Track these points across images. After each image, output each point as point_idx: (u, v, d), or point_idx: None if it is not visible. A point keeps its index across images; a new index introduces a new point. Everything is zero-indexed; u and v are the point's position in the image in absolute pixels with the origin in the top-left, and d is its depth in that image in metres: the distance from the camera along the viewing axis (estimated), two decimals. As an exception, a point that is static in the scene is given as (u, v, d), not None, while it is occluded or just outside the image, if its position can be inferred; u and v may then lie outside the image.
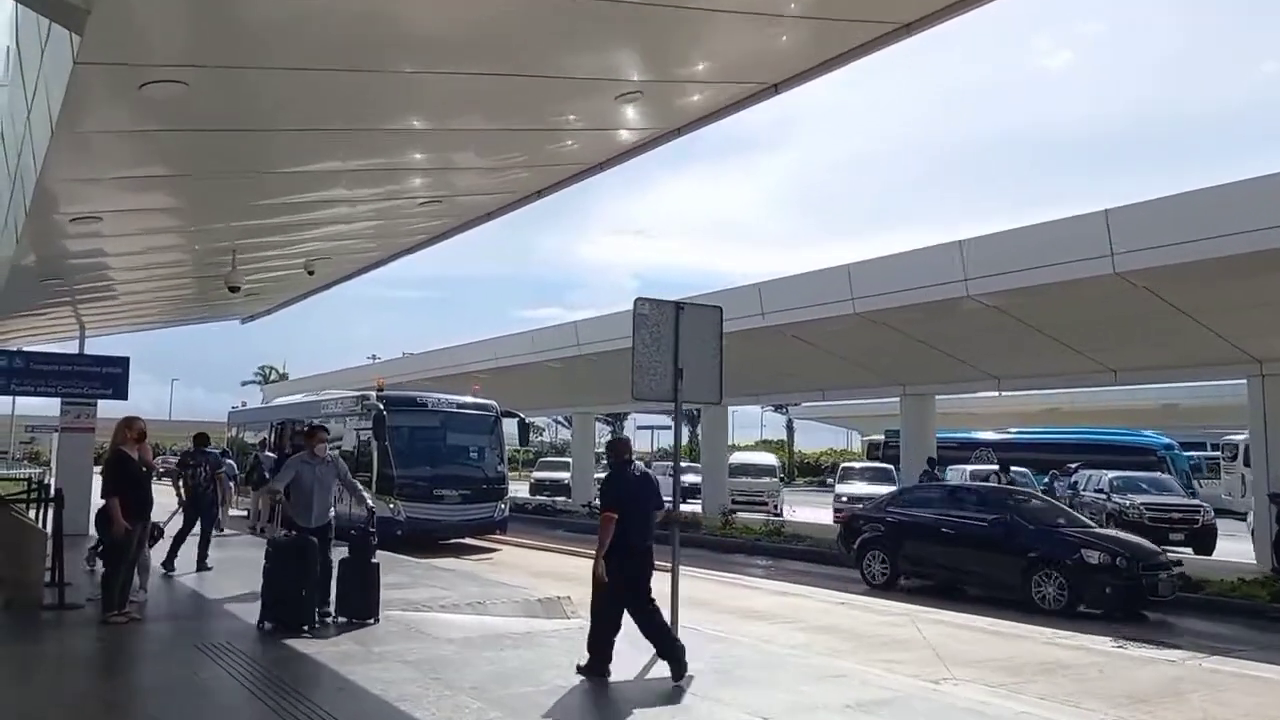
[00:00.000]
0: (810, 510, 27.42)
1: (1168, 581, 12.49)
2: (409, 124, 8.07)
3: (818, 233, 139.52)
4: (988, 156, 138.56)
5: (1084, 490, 23.33)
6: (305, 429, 10.83)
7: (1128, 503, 21.41)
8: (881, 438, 35.68)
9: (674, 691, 6.87)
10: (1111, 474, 24.06)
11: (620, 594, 7.08)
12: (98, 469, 11.82)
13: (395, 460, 18.03)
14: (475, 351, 31.94)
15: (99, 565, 10.67)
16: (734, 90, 7.55)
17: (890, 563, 14.49)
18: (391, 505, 17.56)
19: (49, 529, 10.67)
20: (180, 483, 12.82)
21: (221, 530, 13.59)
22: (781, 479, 34.87)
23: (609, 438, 11.96)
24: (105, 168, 7.68)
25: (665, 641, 7.19)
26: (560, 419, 75.86)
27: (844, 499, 28.30)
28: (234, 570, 12.61)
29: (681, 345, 8.69)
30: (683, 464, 33.77)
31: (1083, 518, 14.79)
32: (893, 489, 19.39)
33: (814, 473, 69.24)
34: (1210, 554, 20.14)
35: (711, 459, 29.46)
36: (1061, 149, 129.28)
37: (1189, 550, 19.53)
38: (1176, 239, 13.74)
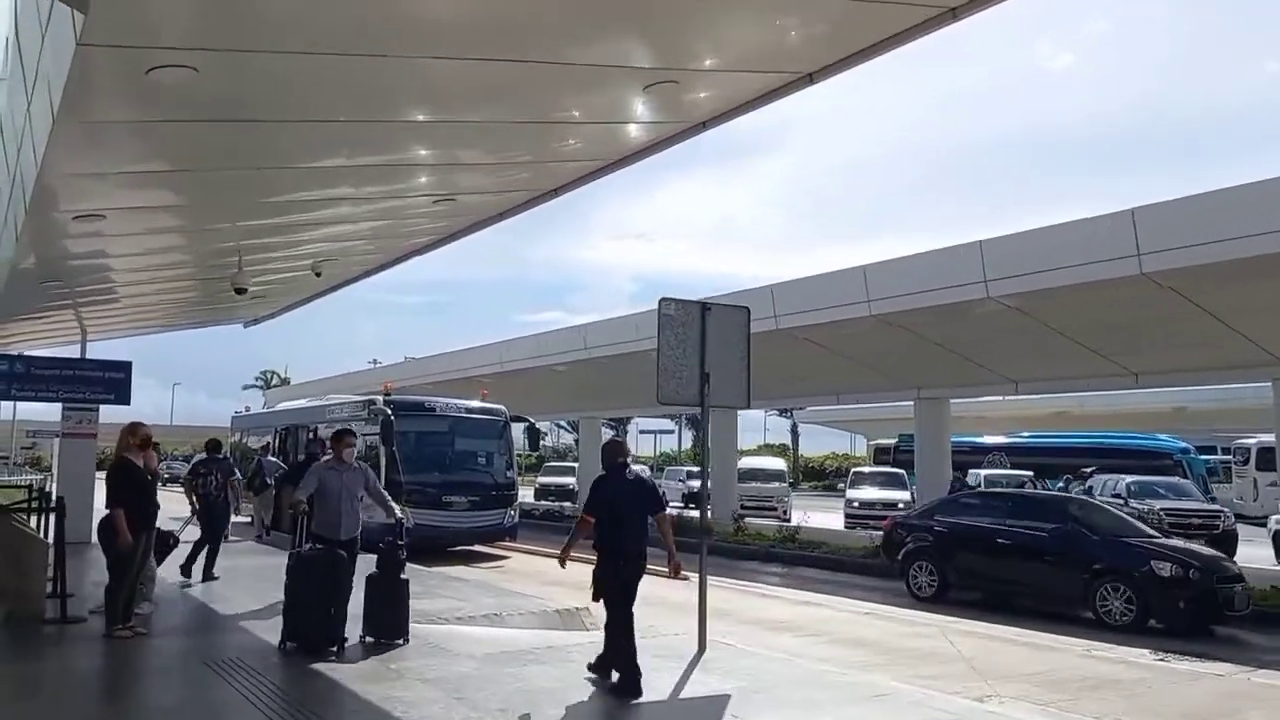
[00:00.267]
0: (819, 515, 27.02)
1: (1242, 595, 11.70)
2: (420, 115, 7.69)
3: (817, 237, 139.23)
4: (986, 159, 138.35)
5: (1100, 495, 22.94)
6: (312, 433, 10.49)
7: (1146, 508, 20.96)
8: (893, 442, 35.28)
9: (714, 713, 6.50)
10: (1129, 478, 23.69)
11: (629, 595, 7.10)
12: (100, 475, 11.50)
13: (403, 466, 17.66)
14: (480, 355, 31.64)
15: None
16: (767, 80, 7.20)
17: (939, 574, 13.74)
18: (399, 512, 17.16)
19: (50, 538, 10.30)
20: (192, 491, 12.53)
21: (226, 538, 13.26)
22: (791, 484, 34.50)
23: (606, 440, 11.58)
24: (108, 161, 7.34)
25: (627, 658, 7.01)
26: (563, 423, 75.58)
27: (855, 504, 27.97)
28: (240, 581, 12.30)
29: (708, 347, 8.38)
30: (694, 469, 33.72)
31: (1145, 527, 14.14)
32: (942, 496, 18.06)
33: (819, 477, 68.85)
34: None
35: (720, 464, 29.08)
36: (1060, 150, 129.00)
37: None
38: (1205, 239, 13.42)
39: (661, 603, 12.85)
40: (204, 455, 13.08)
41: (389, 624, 8.30)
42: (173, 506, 12.63)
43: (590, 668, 7.27)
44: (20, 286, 12.53)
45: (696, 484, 34.66)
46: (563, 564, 7.41)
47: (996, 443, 31.14)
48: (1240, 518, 25.38)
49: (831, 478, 66.12)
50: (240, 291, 12.09)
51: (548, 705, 6.47)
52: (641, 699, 6.72)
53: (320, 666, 7.38)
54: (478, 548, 18.66)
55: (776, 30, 6.58)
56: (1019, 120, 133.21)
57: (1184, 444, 28.48)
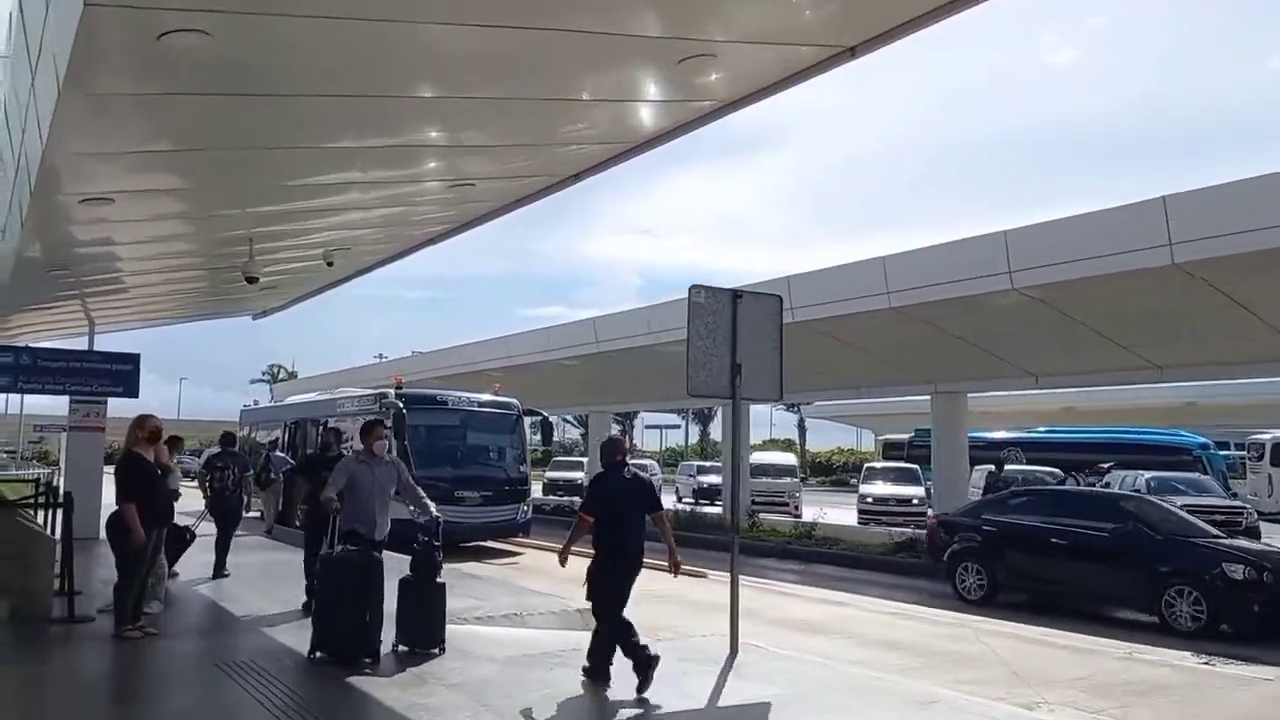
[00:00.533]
0: (832, 512, 26.82)
1: None
2: (436, 90, 7.29)
3: (821, 232, 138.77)
4: (987, 155, 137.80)
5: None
6: (322, 426, 10.22)
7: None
8: (906, 436, 34.91)
9: (754, 720, 6.19)
10: (1147, 474, 23.33)
11: (622, 594, 6.95)
12: (109, 469, 11.24)
13: (415, 460, 17.26)
14: (489, 349, 31.29)
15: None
16: (805, 54, 6.85)
17: (988, 575, 13.13)
18: (411, 507, 16.90)
19: (58, 534, 10.01)
20: (207, 485, 12.31)
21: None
22: (802, 479, 34.20)
23: (605, 437, 11.28)
24: (115, 139, 7.01)
25: (605, 660, 6.96)
26: (570, 418, 75.34)
27: (869, 499, 27.74)
28: (251, 578, 12.03)
29: (739, 337, 8.06)
30: (705, 464, 33.40)
31: (1209, 527, 13.55)
32: (988, 498, 17.03)
33: (826, 472, 68.44)
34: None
35: (733, 459, 28.68)
36: (1061, 147, 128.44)
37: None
38: (1239, 227, 13.01)
39: (680, 600, 12.58)
40: (218, 449, 12.86)
41: (423, 632, 7.69)
42: (187, 502, 12.44)
43: (586, 671, 7.03)
44: (27, 275, 12.23)
45: (707, 479, 34.47)
46: (563, 562, 7.19)
47: (1008, 438, 30.74)
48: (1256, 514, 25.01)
49: (839, 472, 65.75)
50: (252, 280, 11.77)
51: (578, 713, 6.16)
52: (678, 707, 6.41)
53: (337, 670, 7.05)
54: (490, 544, 18.37)
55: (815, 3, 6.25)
56: (1020, 117, 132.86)
57: (1203, 439, 28.06)
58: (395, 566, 7.93)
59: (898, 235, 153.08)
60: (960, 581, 13.42)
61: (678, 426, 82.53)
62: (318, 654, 7.25)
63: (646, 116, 8.20)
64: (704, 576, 15.23)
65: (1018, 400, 35.43)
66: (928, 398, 29.75)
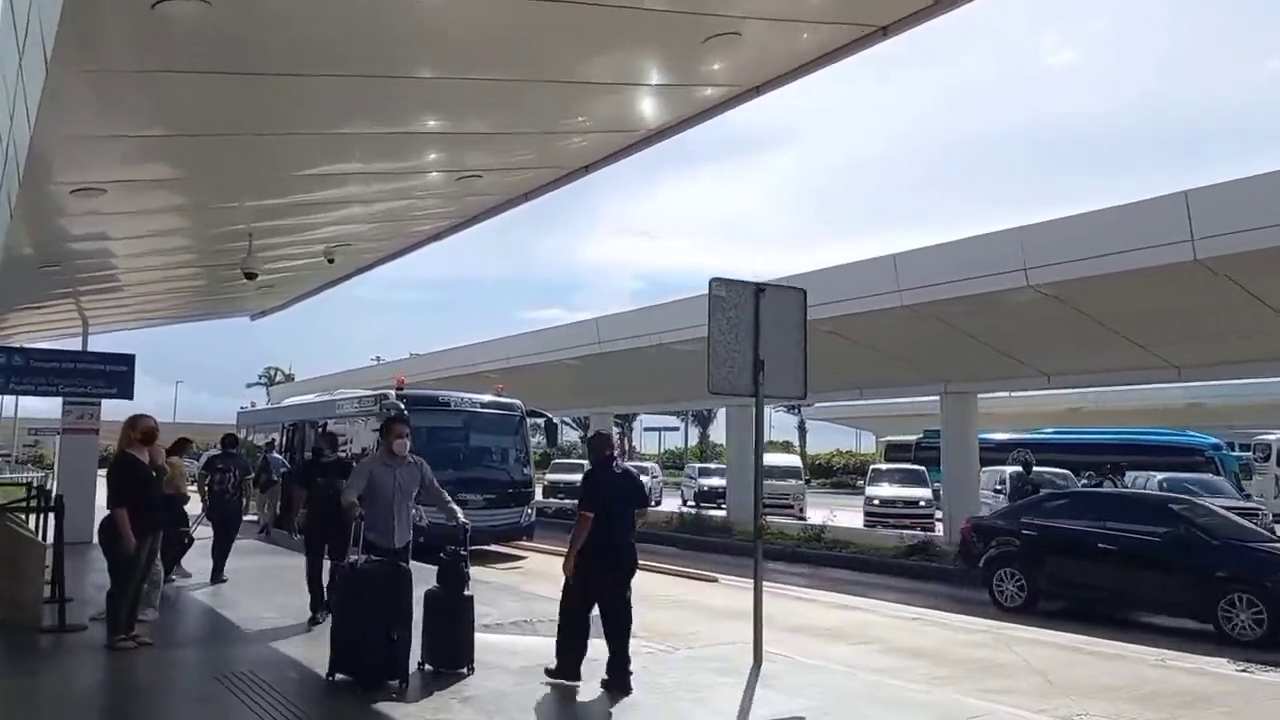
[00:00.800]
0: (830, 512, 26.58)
1: None
2: (438, 71, 6.86)
3: (821, 234, 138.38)
4: (990, 155, 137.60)
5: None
6: (321, 428, 9.80)
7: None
8: (912, 438, 34.52)
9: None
10: (1160, 475, 22.98)
11: (589, 595, 6.81)
12: (103, 473, 10.89)
13: (417, 462, 16.97)
14: (489, 350, 30.90)
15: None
16: (836, 33, 6.50)
17: (1028, 582, 12.60)
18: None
19: (51, 539, 9.63)
20: (206, 487, 11.99)
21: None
22: (807, 481, 33.83)
23: (592, 434, 10.87)
24: (107, 122, 6.62)
25: (621, 649, 6.77)
26: (569, 420, 74.93)
27: (875, 502, 27.37)
28: (249, 583, 11.66)
29: (762, 332, 7.70)
30: (706, 466, 32.98)
31: (1264, 531, 13.11)
32: (1027, 501, 15.72)
33: (826, 474, 68.03)
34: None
35: (738, 461, 28.39)
36: (1061, 147, 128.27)
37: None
38: (1265, 222, 12.67)
39: (694, 605, 12.26)
40: (219, 451, 12.56)
41: (451, 650, 7.00)
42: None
43: (550, 673, 6.87)
44: (17, 272, 11.83)
45: (707, 481, 34.06)
46: (566, 573, 6.87)
47: (1016, 439, 30.33)
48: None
49: (839, 474, 65.37)
50: (250, 276, 11.39)
51: (601, 729, 5.80)
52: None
53: (359, 693, 6.67)
54: (494, 547, 17.98)
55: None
56: (1020, 116, 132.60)
57: (1215, 439, 27.71)
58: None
59: (900, 235, 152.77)
60: (998, 588, 12.87)
61: (676, 429, 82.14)
62: (337, 676, 6.58)
63: (666, 103, 7.84)
64: (715, 581, 14.92)
65: (1018, 402, 35.10)
66: (929, 399, 29.49)
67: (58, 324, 18.63)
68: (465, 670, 6.95)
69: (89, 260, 11.97)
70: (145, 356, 16.63)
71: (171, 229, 10.83)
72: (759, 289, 7.75)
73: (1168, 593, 11.55)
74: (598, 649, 6.94)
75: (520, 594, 11.68)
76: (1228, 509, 19.54)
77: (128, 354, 16.54)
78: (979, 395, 23.17)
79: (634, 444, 79.13)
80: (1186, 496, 15.77)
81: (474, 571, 13.42)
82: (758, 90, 7.51)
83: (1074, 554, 12.39)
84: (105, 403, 16.22)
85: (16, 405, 55.85)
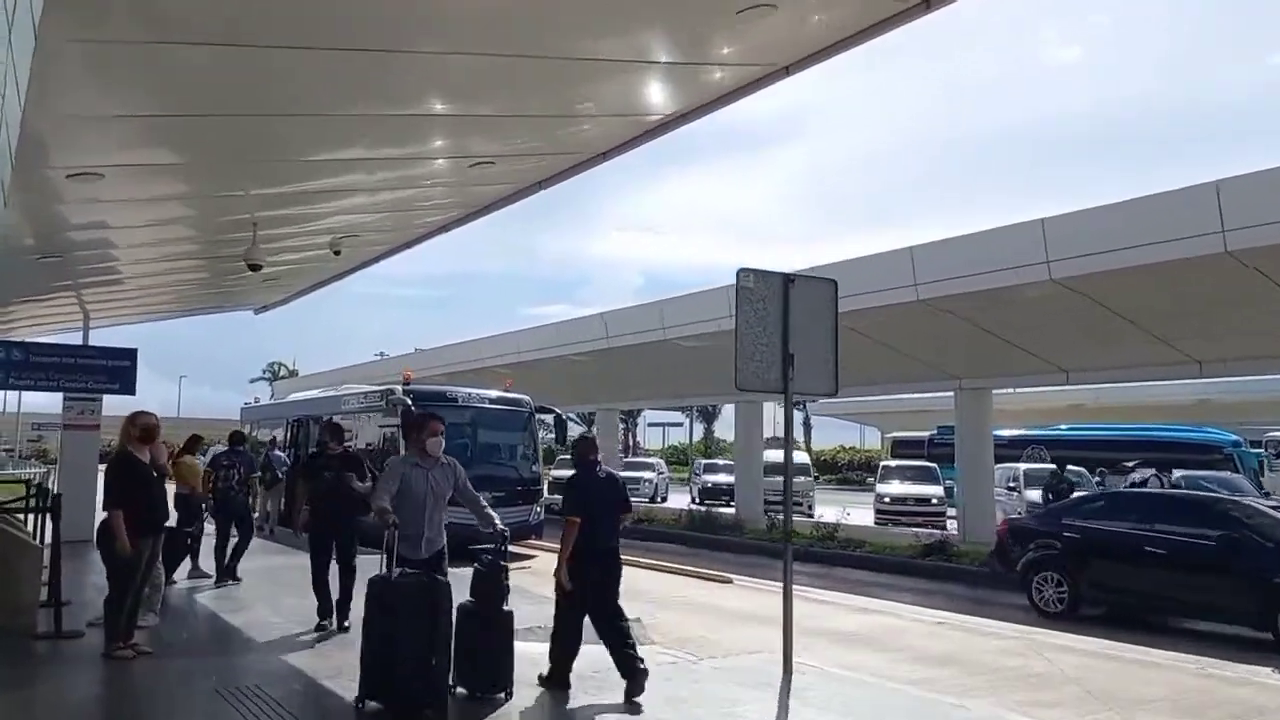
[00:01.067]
0: (833, 509, 26.32)
1: None
2: (444, 47, 6.47)
3: (827, 230, 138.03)
4: (991, 151, 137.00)
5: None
6: (325, 422, 9.39)
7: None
8: (923, 434, 34.13)
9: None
10: (1176, 473, 22.59)
11: (585, 599, 6.69)
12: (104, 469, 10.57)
13: (423, 460, 16.63)
14: (496, 345, 30.57)
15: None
16: (875, 7, 6.12)
17: (1071, 587, 12.08)
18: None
19: (49, 539, 9.30)
20: (211, 484, 11.76)
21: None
22: (816, 478, 33.47)
23: (576, 437, 10.45)
24: (103, 99, 6.23)
25: (627, 659, 6.54)
26: (573, 416, 74.48)
27: (886, 499, 27.04)
28: (255, 585, 11.39)
29: (791, 325, 7.34)
30: (711, 462, 32.55)
31: None
32: (1067, 502, 15.15)
33: (831, 470, 67.61)
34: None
35: (746, 458, 28.04)
36: (1062, 145, 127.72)
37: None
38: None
39: (713, 609, 11.89)
40: (225, 447, 12.29)
41: (488, 672, 6.33)
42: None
43: (542, 680, 6.73)
44: (15, 263, 11.49)
45: (711, 478, 33.66)
46: (562, 582, 6.62)
47: (1036, 435, 29.94)
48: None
49: (844, 471, 64.96)
50: (255, 268, 11.03)
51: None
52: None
53: (348, 694, 6.31)
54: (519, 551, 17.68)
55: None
56: (1022, 113, 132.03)
57: (1235, 436, 27.28)
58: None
59: (905, 231, 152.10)
60: (1037, 593, 12.37)
61: (680, 424, 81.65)
62: (367, 703, 5.94)
63: (692, 84, 7.45)
64: (729, 582, 14.57)
65: (1020, 399, 34.57)
66: (933, 395, 29.12)
67: (58, 317, 18.30)
68: (503, 695, 6.34)
69: (89, 251, 11.61)
70: (147, 351, 16.31)
71: (173, 218, 10.47)
72: (788, 279, 7.39)
73: (1222, 598, 10.98)
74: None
75: (533, 596, 11.27)
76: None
77: (129, 348, 16.26)
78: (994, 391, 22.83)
79: (638, 440, 78.72)
80: (1239, 498, 15.26)
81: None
82: (787, 70, 7.15)
83: (1119, 558, 11.86)
84: (107, 398, 15.96)
85: (20, 400, 55.73)
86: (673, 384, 29.45)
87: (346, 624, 8.38)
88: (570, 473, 7.54)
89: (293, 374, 69.22)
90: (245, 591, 11.05)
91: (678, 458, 70.13)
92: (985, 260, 16.15)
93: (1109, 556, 11.99)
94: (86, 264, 12.36)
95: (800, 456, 35.57)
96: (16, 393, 43.44)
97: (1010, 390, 31.04)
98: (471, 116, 8.18)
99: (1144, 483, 19.58)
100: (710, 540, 21.66)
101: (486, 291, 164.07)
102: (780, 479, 28.82)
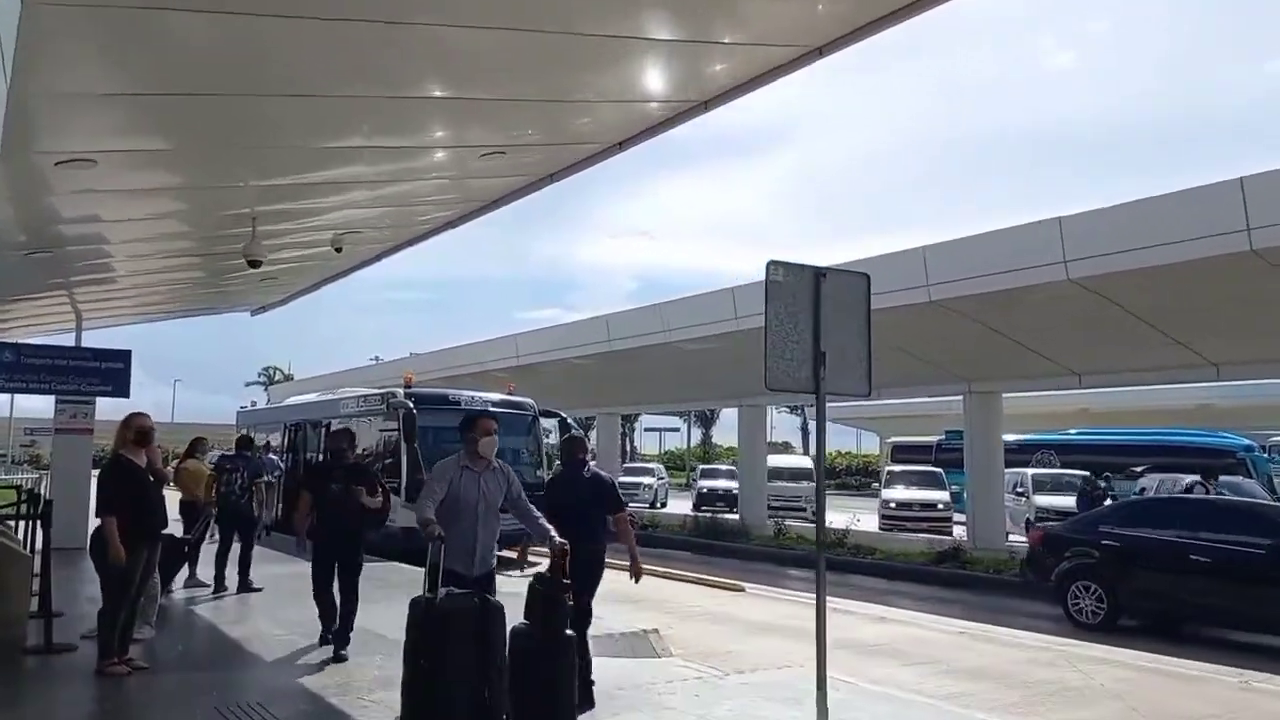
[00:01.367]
0: (839, 515, 25.91)
1: None
2: (450, 20, 6.05)
3: (823, 233, 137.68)
4: (990, 153, 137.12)
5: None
6: (327, 428, 8.86)
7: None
8: (925, 438, 33.74)
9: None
10: (1187, 478, 22.25)
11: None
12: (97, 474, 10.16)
13: (426, 464, 16.20)
14: (496, 348, 30.17)
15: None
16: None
17: (1109, 597, 11.66)
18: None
19: (40, 547, 8.87)
20: (213, 489, 11.40)
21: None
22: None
23: (565, 436, 9.99)
24: (92, 73, 5.81)
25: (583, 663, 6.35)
26: (570, 420, 73.83)
27: (892, 504, 26.66)
28: (255, 595, 10.98)
29: (823, 322, 6.95)
30: (716, 467, 32.09)
31: None
32: (1105, 510, 14.56)
33: (830, 475, 67.20)
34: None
35: (750, 462, 27.70)
36: (1061, 146, 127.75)
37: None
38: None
39: (729, 619, 11.49)
40: (232, 451, 11.99)
41: (547, 707, 5.43)
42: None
43: None
44: (5, 259, 11.08)
45: (707, 484, 33.12)
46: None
47: (1045, 439, 29.55)
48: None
49: (842, 476, 64.61)
50: (254, 264, 10.63)
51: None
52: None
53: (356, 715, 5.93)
54: (505, 553, 17.23)
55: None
56: (1021, 115, 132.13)
57: (1248, 440, 26.95)
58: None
59: (901, 235, 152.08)
60: (1074, 603, 11.94)
61: (677, 429, 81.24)
62: None
63: (719, 65, 7.08)
64: (742, 590, 14.17)
65: (1024, 403, 34.20)
66: (934, 400, 28.71)
67: (50, 318, 17.88)
68: None
69: (82, 247, 11.20)
70: (141, 354, 15.99)
71: (169, 212, 10.07)
72: (820, 273, 6.99)
73: (1275, 609, 10.52)
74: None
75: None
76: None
77: (123, 350, 15.87)
78: (955, 397, 22.46)
79: (635, 445, 78.26)
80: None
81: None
82: (820, 52, 6.80)
83: (1162, 567, 11.40)
84: (101, 401, 15.58)
85: (12, 404, 55.14)
86: (675, 388, 29.11)
87: (344, 653, 7.60)
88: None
89: (288, 378, 68.74)
90: (244, 602, 10.65)
91: (674, 463, 69.67)
92: (1000, 260, 15.83)
93: (1151, 566, 11.55)
94: (79, 261, 11.96)
95: (803, 462, 35.18)
96: (9, 396, 42.98)
97: (1013, 395, 30.76)
98: (478, 100, 7.67)
99: (1190, 489, 19.09)
100: (717, 547, 21.30)
101: (480, 296, 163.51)
102: (783, 484, 28.62)
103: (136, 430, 7.11)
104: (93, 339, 17.63)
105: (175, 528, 9.74)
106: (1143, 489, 22.84)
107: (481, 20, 5.90)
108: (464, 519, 5.71)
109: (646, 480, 37.00)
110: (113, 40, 5.38)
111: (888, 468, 30.32)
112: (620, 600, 11.67)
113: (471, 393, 18.12)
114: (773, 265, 6.85)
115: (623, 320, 25.38)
